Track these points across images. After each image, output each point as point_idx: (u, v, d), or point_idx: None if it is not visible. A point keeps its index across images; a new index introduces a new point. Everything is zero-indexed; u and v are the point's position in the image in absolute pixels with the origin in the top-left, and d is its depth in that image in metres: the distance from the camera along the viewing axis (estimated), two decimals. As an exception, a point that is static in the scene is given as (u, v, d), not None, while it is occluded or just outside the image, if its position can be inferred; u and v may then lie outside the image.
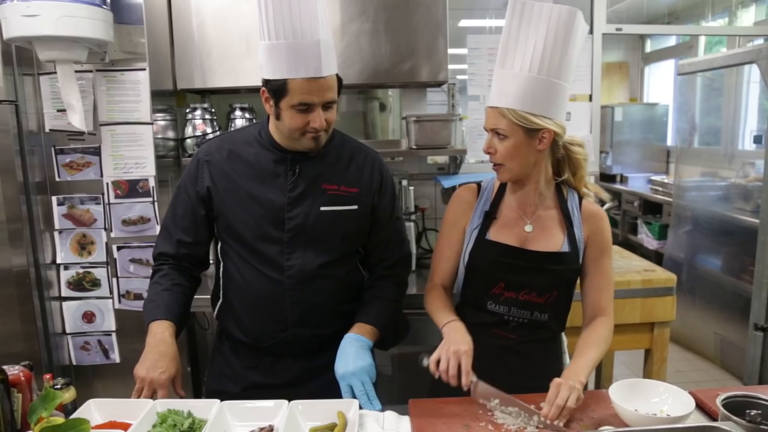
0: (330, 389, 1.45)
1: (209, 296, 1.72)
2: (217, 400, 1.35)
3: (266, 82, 1.43)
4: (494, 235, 1.53)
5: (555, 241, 1.51)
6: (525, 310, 1.51)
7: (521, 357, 1.53)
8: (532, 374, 1.50)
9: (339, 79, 1.46)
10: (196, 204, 1.58)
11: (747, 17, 4.89)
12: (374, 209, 1.61)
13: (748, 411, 1.18)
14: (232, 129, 2.51)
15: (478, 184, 1.62)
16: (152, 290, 1.59)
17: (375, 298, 1.65)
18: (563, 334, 1.64)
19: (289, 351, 1.59)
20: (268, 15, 1.36)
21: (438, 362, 1.37)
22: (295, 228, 1.51)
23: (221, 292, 1.64)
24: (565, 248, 1.50)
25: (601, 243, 1.54)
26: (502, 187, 1.58)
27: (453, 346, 1.38)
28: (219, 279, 1.65)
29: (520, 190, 1.54)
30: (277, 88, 1.40)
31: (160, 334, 1.48)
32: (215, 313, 1.68)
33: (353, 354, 1.47)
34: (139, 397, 1.41)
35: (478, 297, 1.55)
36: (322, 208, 1.53)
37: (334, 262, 1.57)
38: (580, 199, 1.56)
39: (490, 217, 1.54)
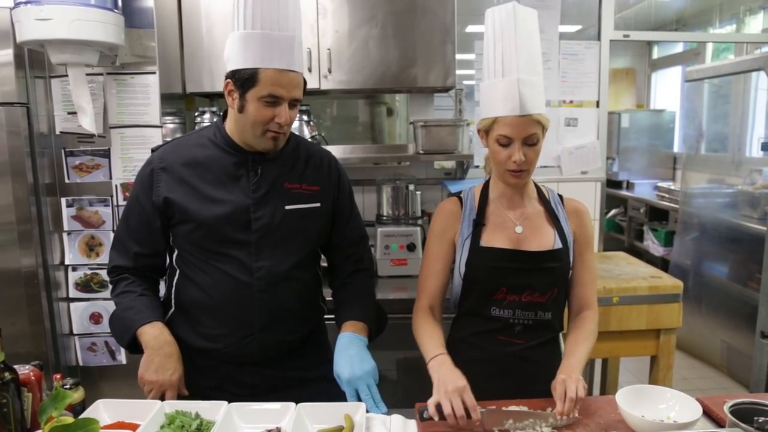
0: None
1: None
2: (225, 402, 1.35)
3: (233, 73, 1.41)
4: (487, 240, 1.53)
5: (547, 239, 1.53)
6: (529, 311, 1.52)
7: (527, 363, 1.53)
8: (536, 379, 1.50)
9: (304, 81, 1.47)
10: (151, 215, 1.51)
11: (755, 24, 4.87)
12: (335, 205, 1.62)
13: (756, 418, 1.18)
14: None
15: (458, 196, 1.62)
16: (125, 299, 1.52)
17: (355, 295, 1.65)
18: (561, 336, 1.64)
19: (251, 358, 1.54)
20: (247, 5, 1.38)
21: (439, 407, 1.29)
22: (262, 229, 1.49)
23: (173, 301, 1.58)
24: (558, 245, 1.52)
25: (585, 238, 1.58)
26: (485, 194, 1.59)
27: (450, 385, 1.31)
28: (171, 288, 1.59)
29: (507, 193, 1.56)
30: (246, 77, 1.38)
31: (161, 336, 1.47)
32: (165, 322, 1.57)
33: (357, 356, 1.46)
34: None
35: (480, 305, 1.54)
36: (287, 207, 1.51)
37: (301, 263, 1.55)
38: (560, 196, 1.61)
39: (479, 225, 1.55)
